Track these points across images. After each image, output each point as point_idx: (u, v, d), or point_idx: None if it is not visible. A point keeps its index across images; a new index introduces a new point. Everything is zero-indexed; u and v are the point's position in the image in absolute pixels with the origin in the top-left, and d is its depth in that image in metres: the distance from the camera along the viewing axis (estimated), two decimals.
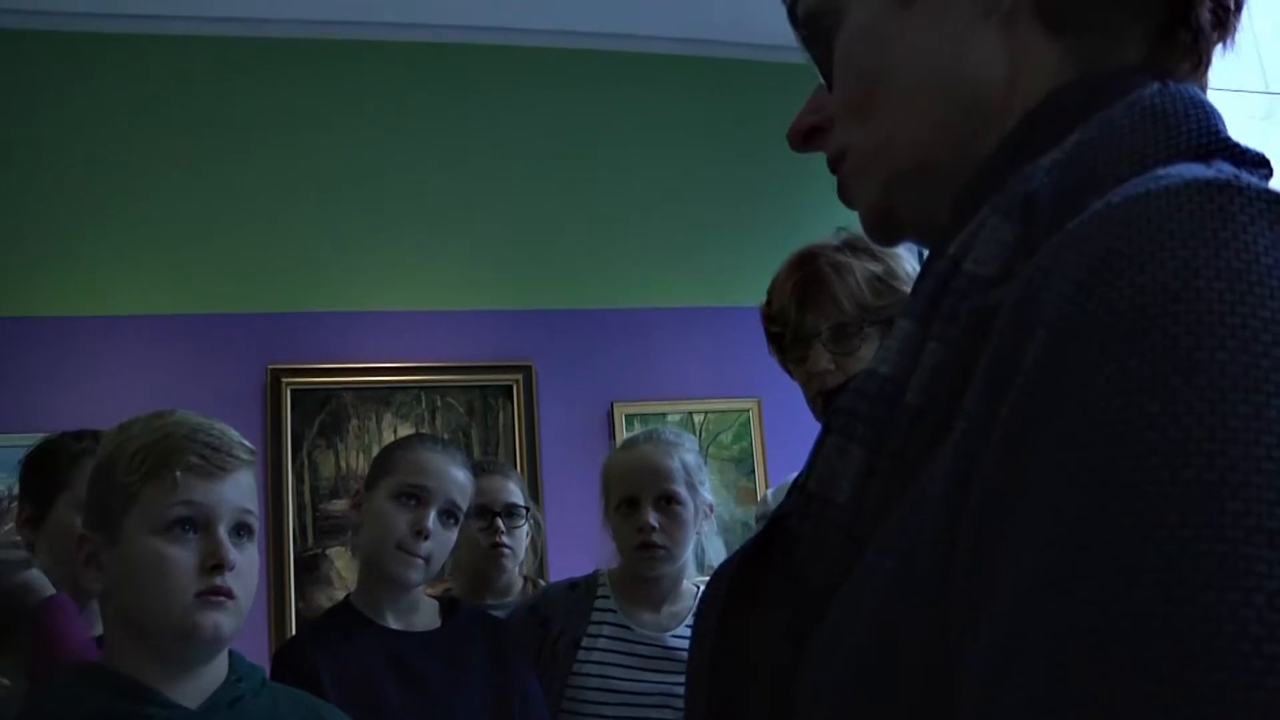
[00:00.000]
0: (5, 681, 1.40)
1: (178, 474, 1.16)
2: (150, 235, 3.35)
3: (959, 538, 0.41)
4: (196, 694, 1.17)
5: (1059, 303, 0.40)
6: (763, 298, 1.50)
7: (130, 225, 3.34)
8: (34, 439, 1.80)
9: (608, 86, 3.83)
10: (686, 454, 1.90)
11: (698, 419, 3.63)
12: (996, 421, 0.41)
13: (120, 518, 1.16)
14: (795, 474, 1.63)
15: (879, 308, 1.38)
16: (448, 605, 1.77)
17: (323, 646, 1.62)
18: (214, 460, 1.19)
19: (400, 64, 3.66)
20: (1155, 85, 0.51)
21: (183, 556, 1.15)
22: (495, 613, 1.98)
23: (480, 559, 2.24)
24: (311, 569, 3.25)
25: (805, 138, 0.65)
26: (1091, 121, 0.50)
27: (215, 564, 1.15)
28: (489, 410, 3.48)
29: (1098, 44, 0.55)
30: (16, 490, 1.88)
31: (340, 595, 3.01)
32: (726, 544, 3.47)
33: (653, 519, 1.83)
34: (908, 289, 1.37)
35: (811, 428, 1.34)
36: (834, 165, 0.63)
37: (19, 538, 1.72)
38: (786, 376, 1.50)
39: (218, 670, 1.21)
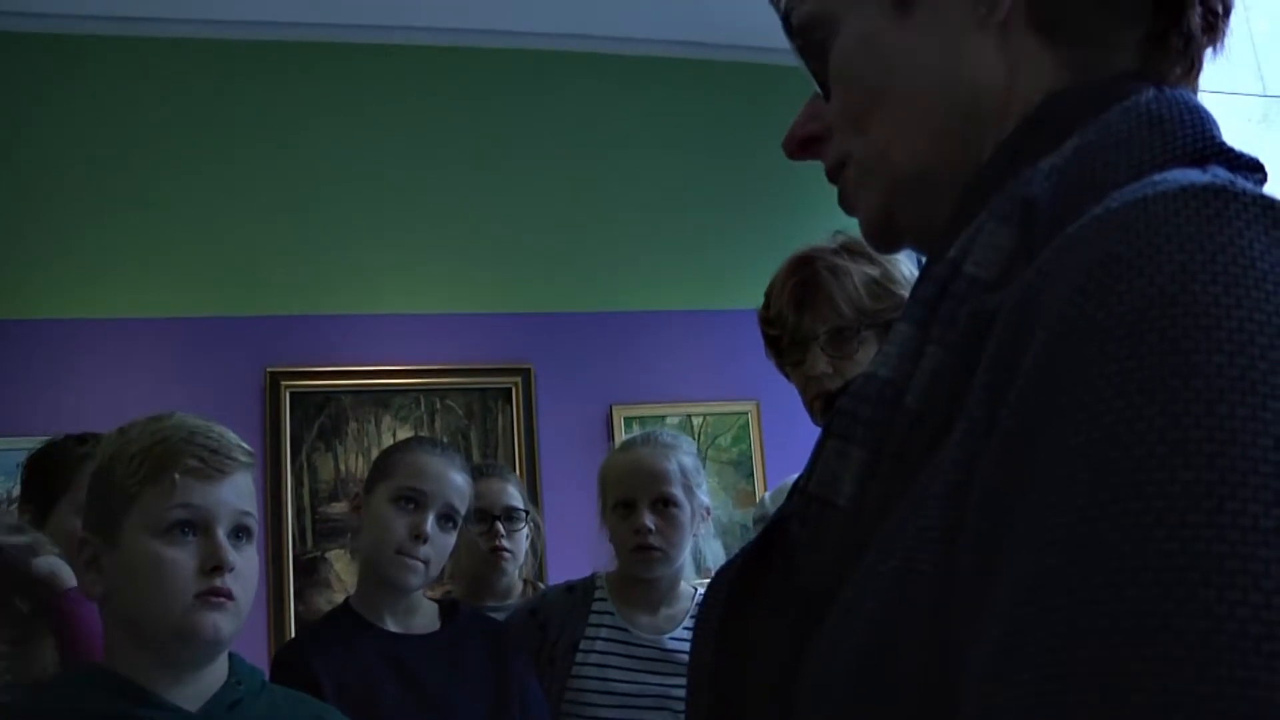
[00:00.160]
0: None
1: (176, 477, 1.16)
2: (149, 238, 3.36)
3: (959, 538, 0.41)
4: (196, 696, 1.17)
5: (1058, 306, 0.40)
6: (762, 301, 1.50)
7: (129, 228, 3.34)
8: (32, 441, 1.80)
9: (607, 90, 3.83)
10: (683, 456, 1.90)
11: (696, 421, 3.63)
12: (996, 423, 0.41)
13: (120, 520, 1.16)
14: (793, 476, 1.64)
15: (876, 311, 1.38)
16: (447, 608, 1.77)
17: (322, 649, 1.62)
18: (212, 463, 1.19)
19: (399, 67, 3.66)
20: (1151, 91, 0.52)
21: (182, 559, 1.15)
22: (495, 615, 1.98)
23: (480, 562, 2.24)
24: (310, 572, 3.25)
25: (801, 146, 0.65)
26: (1088, 126, 0.51)
27: (214, 566, 1.16)
28: (488, 413, 3.48)
29: (1092, 50, 0.56)
30: (17, 492, 1.88)
31: (339, 598, 3.01)
32: (725, 546, 3.49)
33: (649, 521, 1.84)
34: (905, 292, 1.38)
35: (810, 430, 1.34)
36: (833, 174, 0.64)
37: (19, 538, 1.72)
38: (785, 379, 1.51)
39: (217, 673, 1.21)
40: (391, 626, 1.68)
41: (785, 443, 3.46)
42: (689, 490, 1.88)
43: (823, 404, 1.40)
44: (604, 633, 1.86)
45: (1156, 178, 0.44)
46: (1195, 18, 0.55)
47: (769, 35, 0.66)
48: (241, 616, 1.19)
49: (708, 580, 2.12)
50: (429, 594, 1.82)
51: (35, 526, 1.62)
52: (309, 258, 3.46)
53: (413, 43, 3.67)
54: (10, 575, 1.29)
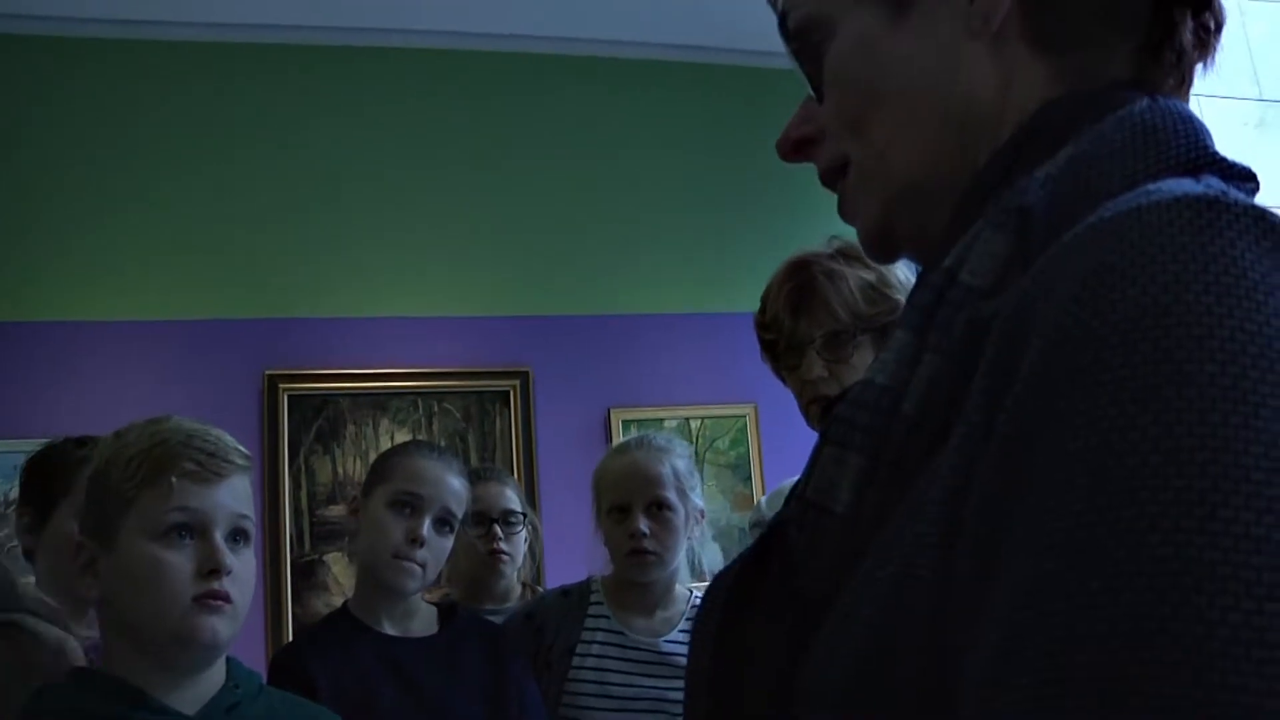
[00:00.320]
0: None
1: (173, 480, 1.16)
2: (148, 240, 3.36)
3: (957, 544, 0.42)
4: (194, 700, 1.17)
5: (1054, 314, 0.41)
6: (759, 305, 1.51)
7: (128, 230, 3.35)
8: (30, 443, 1.80)
9: (605, 93, 3.84)
10: (677, 460, 1.91)
11: (695, 425, 3.63)
12: (994, 430, 0.42)
13: (117, 524, 1.16)
14: (789, 481, 1.64)
15: (872, 315, 1.39)
16: (445, 611, 1.77)
17: (319, 652, 1.62)
18: (210, 466, 1.19)
19: (398, 70, 3.67)
20: (1145, 101, 0.52)
21: (179, 562, 1.15)
22: (493, 619, 1.98)
23: (478, 565, 2.25)
24: (308, 575, 3.24)
25: (795, 148, 0.65)
26: (1083, 136, 0.51)
27: (211, 569, 1.15)
28: (486, 416, 3.48)
29: (1085, 61, 0.56)
30: (14, 495, 1.88)
31: (337, 601, 3.01)
32: (723, 549, 3.49)
33: (644, 525, 1.84)
34: (900, 296, 1.38)
35: (808, 434, 1.34)
36: (826, 177, 0.64)
37: (18, 543, 1.72)
38: (782, 383, 1.51)
39: (215, 676, 1.21)
40: (389, 630, 1.68)
41: (783, 446, 3.46)
42: (683, 494, 1.88)
43: (819, 408, 1.40)
44: (600, 636, 1.86)
45: (1150, 187, 0.44)
46: (1187, 33, 0.56)
47: (768, 39, 0.66)
48: (239, 620, 1.19)
49: (704, 583, 2.13)
50: (427, 597, 1.82)
51: (34, 530, 1.62)
52: (307, 260, 3.46)
53: (412, 45, 3.68)
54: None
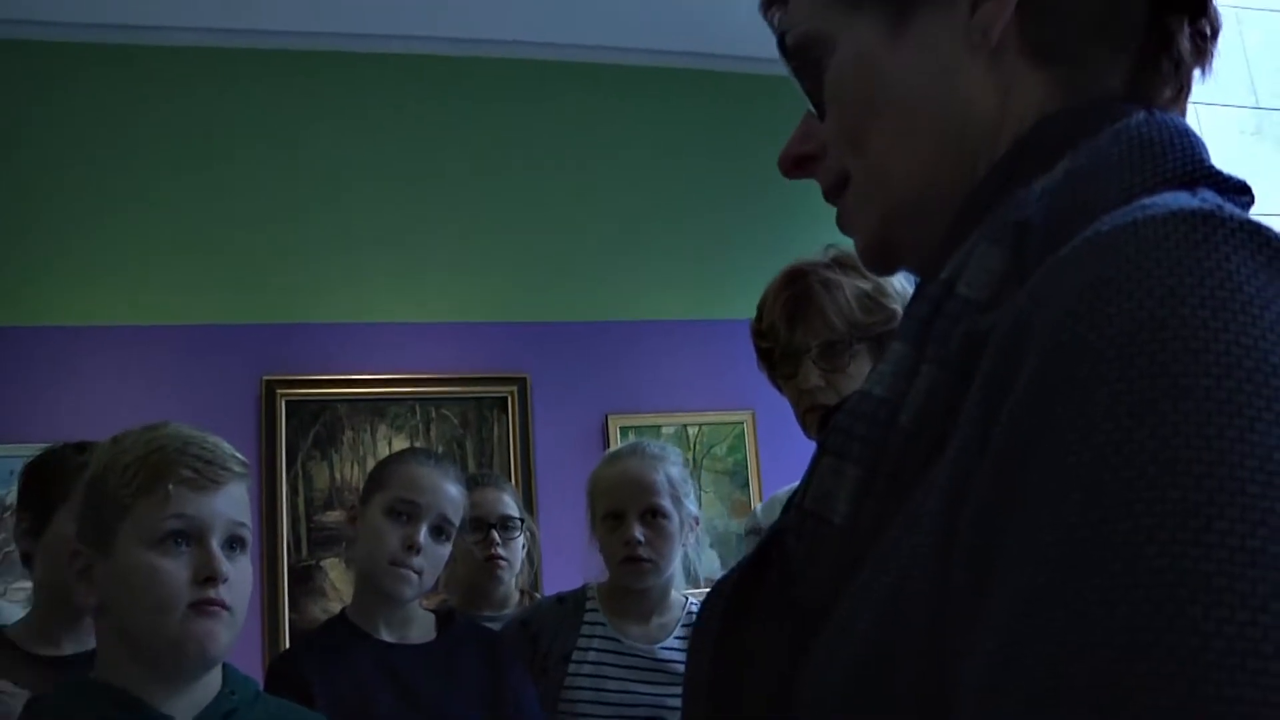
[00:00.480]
0: (9, 688, 1.39)
1: (170, 487, 1.16)
2: (146, 246, 3.36)
3: (953, 555, 0.42)
4: (189, 707, 1.17)
5: (1051, 328, 0.41)
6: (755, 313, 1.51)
7: (127, 235, 3.35)
8: (28, 448, 1.79)
9: (603, 100, 3.84)
10: (671, 467, 1.91)
11: (692, 431, 3.63)
12: (990, 442, 0.42)
13: (113, 530, 1.16)
14: (784, 489, 1.64)
15: (868, 324, 1.39)
16: (443, 618, 1.77)
17: (316, 659, 1.62)
18: (207, 473, 1.18)
19: (397, 76, 3.67)
20: (1141, 114, 0.53)
21: (176, 569, 1.15)
22: (490, 625, 1.98)
23: (476, 571, 2.25)
24: (305, 580, 3.24)
25: (796, 165, 0.66)
26: (1080, 149, 0.52)
27: (208, 576, 1.15)
28: (484, 422, 3.48)
29: (1083, 74, 0.57)
30: (11, 499, 1.88)
31: (334, 607, 3.01)
32: (720, 557, 3.48)
33: (638, 532, 1.85)
34: (897, 306, 1.38)
35: (805, 441, 1.34)
36: (829, 194, 0.64)
37: (14, 547, 1.72)
38: (779, 391, 1.51)
39: (211, 683, 1.20)
40: (387, 636, 1.68)
41: (780, 453, 3.47)
42: (677, 500, 1.89)
43: (815, 417, 1.40)
44: (596, 643, 1.86)
45: (1146, 201, 0.44)
46: (1184, 41, 0.57)
47: (767, 45, 0.66)
48: (237, 627, 1.18)
49: (699, 590, 2.12)
50: (425, 604, 1.82)
51: (33, 535, 1.61)
52: (306, 265, 3.46)
53: (412, 51, 3.68)
54: None
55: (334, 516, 3.25)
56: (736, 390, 3.54)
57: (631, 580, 1.87)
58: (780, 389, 1.49)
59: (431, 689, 1.63)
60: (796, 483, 0.60)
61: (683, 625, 1.91)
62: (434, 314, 3.53)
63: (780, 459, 3.48)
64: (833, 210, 0.65)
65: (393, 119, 3.64)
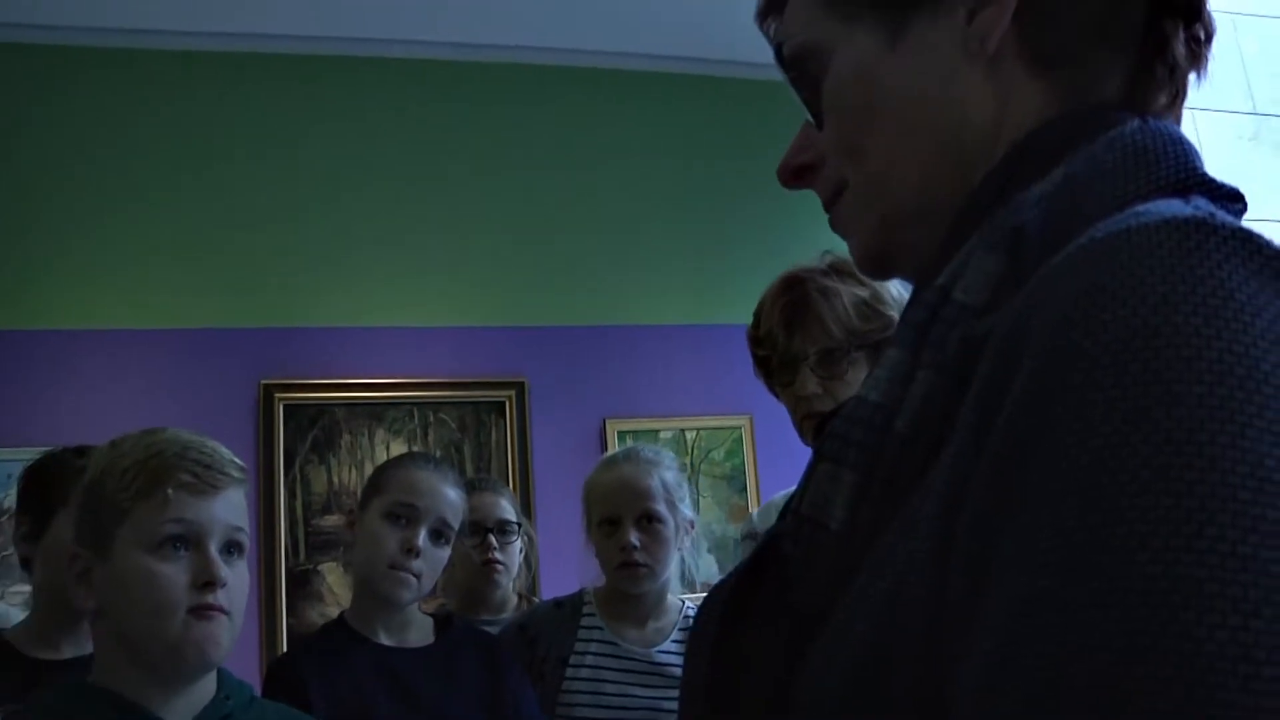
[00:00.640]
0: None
1: (169, 492, 1.16)
2: (144, 250, 3.36)
3: (949, 560, 0.42)
4: (185, 711, 1.17)
5: (1046, 334, 0.41)
6: (752, 319, 1.51)
7: (125, 239, 3.35)
8: (25, 451, 1.79)
9: (602, 104, 3.84)
10: (666, 472, 1.92)
11: (690, 436, 3.63)
12: (986, 447, 0.42)
13: (111, 535, 1.16)
14: (781, 494, 1.64)
15: (866, 331, 1.39)
16: (442, 621, 1.77)
17: (314, 662, 1.62)
18: (205, 478, 1.19)
19: (396, 80, 3.67)
20: (1136, 122, 0.53)
21: (174, 574, 1.15)
22: (489, 629, 1.98)
23: (474, 575, 2.25)
24: (303, 584, 3.24)
25: (795, 175, 0.66)
26: (1075, 156, 0.52)
27: (207, 581, 1.15)
28: (481, 426, 3.48)
29: (1080, 80, 0.57)
30: (8, 503, 1.88)
31: (332, 611, 3.00)
32: (718, 561, 3.48)
33: (634, 538, 1.86)
34: (894, 313, 1.38)
35: (803, 446, 1.34)
36: (829, 204, 0.65)
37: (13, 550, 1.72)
38: (776, 398, 1.51)
39: (206, 687, 1.20)
40: (385, 640, 1.68)
41: (778, 457, 3.47)
42: (672, 505, 1.90)
43: (813, 424, 1.40)
44: (594, 647, 1.87)
45: (1140, 208, 0.45)
46: (1179, 46, 0.57)
47: (766, 50, 0.67)
48: (236, 631, 1.18)
49: (695, 594, 2.12)
50: (424, 608, 1.82)
51: (32, 539, 1.62)
52: (305, 269, 3.46)
53: (412, 56, 3.69)
54: None
55: (332, 521, 3.25)
56: (734, 395, 3.54)
57: (628, 585, 1.88)
58: (777, 396, 1.49)
59: (430, 692, 1.63)
60: (793, 488, 0.60)
61: (679, 629, 1.92)
62: (432, 318, 3.53)
63: (778, 464, 3.48)
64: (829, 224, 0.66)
65: (392, 123, 3.64)
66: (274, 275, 3.43)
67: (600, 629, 1.89)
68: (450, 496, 1.72)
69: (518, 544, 2.34)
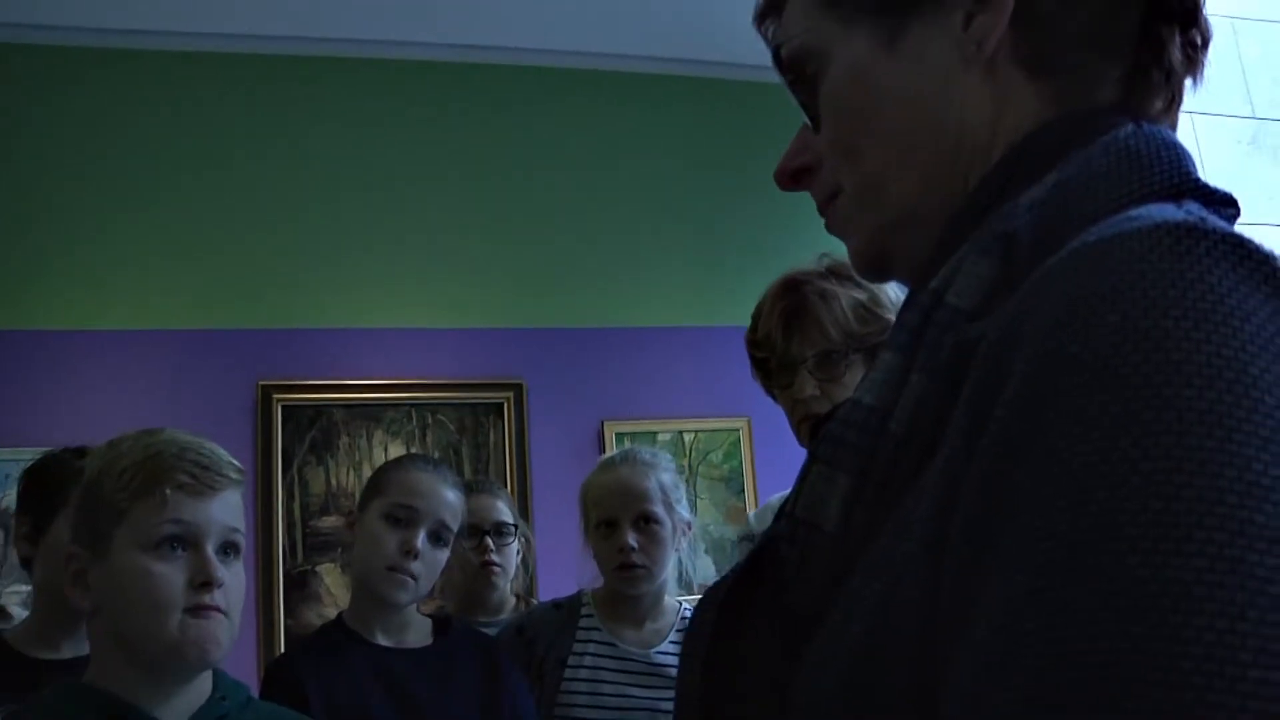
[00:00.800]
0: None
1: (167, 492, 1.16)
2: (143, 250, 3.36)
3: (942, 562, 0.43)
4: (181, 711, 1.17)
5: (1038, 338, 0.42)
6: (749, 322, 1.51)
7: (124, 239, 3.35)
8: (23, 452, 1.79)
9: (600, 106, 3.85)
10: (663, 473, 1.93)
11: (688, 438, 3.63)
12: (978, 451, 0.42)
13: (109, 535, 1.16)
14: (778, 495, 1.64)
15: (864, 334, 1.39)
16: (440, 623, 1.77)
17: (312, 662, 1.62)
18: (203, 479, 1.19)
19: (395, 83, 3.68)
20: (1130, 126, 0.53)
21: (171, 573, 1.15)
22: (486, 631, 1.98)
23: (472, 577, 2.25)
24: (301, 586, 3.24)
25: (792, 178, 0.66)
26: (1069, 160, 0.52)
27: (204, 581, 1.15)
28: (480, 428, 3.49)
29: (1076, 85, 0.57)
30: (5, 503, 1.88)
31: (330, 612, 3.00)
32: (715, 563, 3.49)
33: (632, 539, 1.87)
34: (892, 316, 1.38)
35: (800, 449, 1.34)
36: (825, 207, 0.65)
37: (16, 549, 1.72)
38: (774, 400, 1.51)
39: (202, 687, 1.20)
40: (383, 641, 1.68)
41: (776, 460, 3.47)
42: (669, 507, 1.91)
43: (810, 427, 1.40)
44: (592, 648, 1.87)
45: (1132, 213, 0.45)
46: (1175, 52, 0.57)
47: (762, 53, 0.67)
48: (234, 632, 1.19)
49: (693, 595, 2.13)
50: (423, 609, 1.82)
51: (32, 540, 1.62)
52: (302, 271, 3.46)
53: (411, 58, 3.69)
54: None
55: (330, 522, 3.25)
56: (732, 396, 3.55)
57: (626, 586, 1.88)
58: (775, 398, 1.49)
59: (428, 694, 1.64)
60: (790, 489, 0.61)
61: (677, 630, 1.92)
62: (430, 319, 3.53)
63: (776, 465, 3.48)
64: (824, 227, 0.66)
65: (390, 125, 3.64)
66: (273, 276, 3.44)
67: (598, 630, 1.89)
68: (449, 499, 1.73)
69: (515, 546, 2.34)
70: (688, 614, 1.95)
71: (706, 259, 3.78)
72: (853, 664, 0.46)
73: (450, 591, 2.28)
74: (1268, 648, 0.33)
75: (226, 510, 1.20)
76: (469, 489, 2.15)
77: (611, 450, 3.41)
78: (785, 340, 1.42)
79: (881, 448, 0.50)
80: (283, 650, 3.04)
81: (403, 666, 1.66)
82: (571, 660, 1.86)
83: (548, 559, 2.87)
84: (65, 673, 1.47)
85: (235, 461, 1.24)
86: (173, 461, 1.18)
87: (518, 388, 3.51)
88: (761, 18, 0.69)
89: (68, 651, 1.57)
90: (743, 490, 3.64)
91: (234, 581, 1.19)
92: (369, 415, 3.40)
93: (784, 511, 0.56)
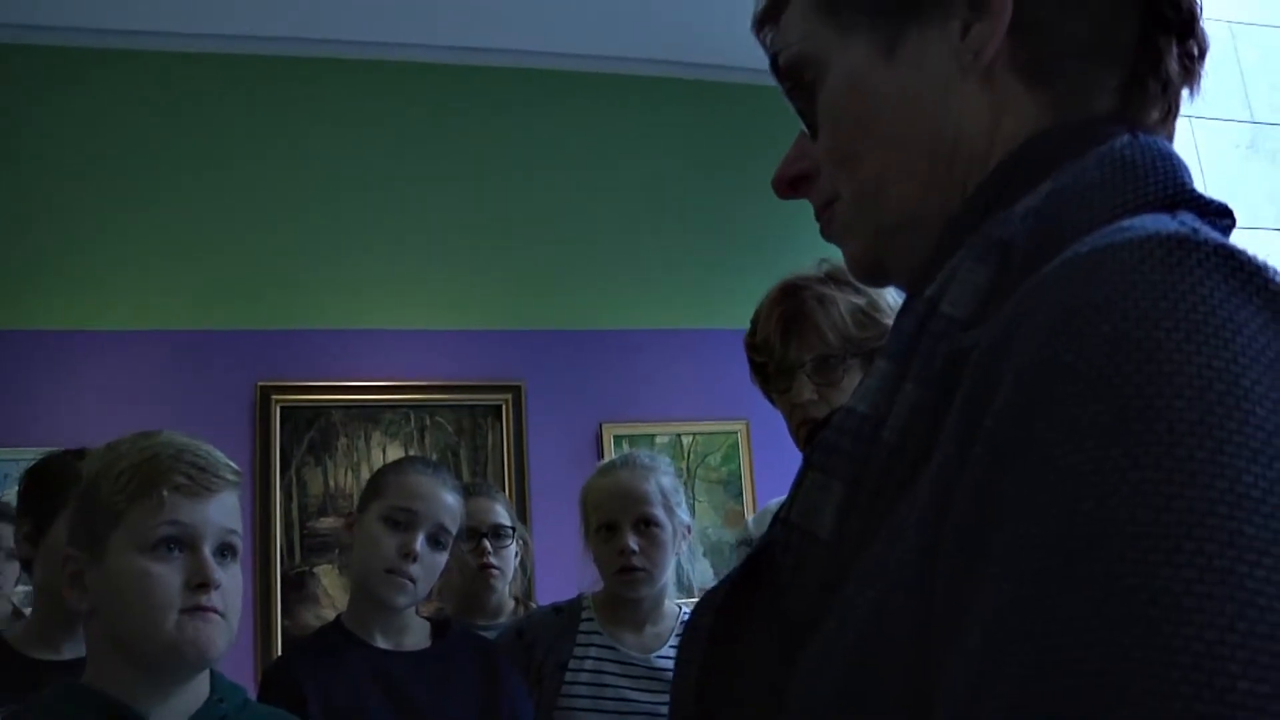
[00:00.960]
0: None
1: (164, 494, 1.16)
2: (142, 251, 3.36)
3: (935, 570, 0.43)
4: (178, 713, 1.17)
5: (1030, 348, 0.42)
6: (748, 326, 1.51)
7: (124, 241, 3.35)
8: (22, 452, 1.79)
9: (600, 109, 3.85)
10: (662, 477, 1.93)
11: (686, 440, 3.63)
12: (970, 460, 0.43)
13: (106, 536, 1.16)
14: (777, 500, 1.64)
15: (862, 339, 1.39)
16: (439, 626, 1.77)
17: (310, 665, 1.62)
18: (200, 481, 1.19)
19: (393, 84, 3.68)
20: (1125, 136, 0.53)
21: (168, 574, 1.15)
22: (485, 634, 1.98)
23: (470, 580, 2.25)
24: (298, 587, 3.24)
25: (790, 186, 0.66)
26: (1064, 170, 0.52)
27: (201, 582, 1.16)
28: (478, 430, 3.49)
29: (1073, 94, 0.57)
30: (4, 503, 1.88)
31: (327, 613, 3.00)
32: (713, 566, 3.49)
33: (632, 542, 1.87)
34: (890, 320, 1.38)
35: (799, 452, 1.34)
36: (822, 214, 0.65)
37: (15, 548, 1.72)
38: (773, 404, 1.51)
39: (199, 689, 1.20)
40: (382, 644, 1.68)
41: (775, 462, 3.46)
42: (669, 510, 1.91)
43: (808, 431, 1.40)
44: (593, 651, 1.87)
45: (1125, 224, 0.45)
46: (1172, 62, 0.57)
47: (761, 56, 0.67)
48: (231, 633, 1.19)
49: (691, 599, 2.13)
50: (421, 611, 1.82)
51: (33, 540, 1.62)
52: (301, 272, 3.46)
53: (410, 59, 3.69)
54: None
55: (328, 523, 3.25)
56: (731, 399, 3.55)
57: (627, 590, 1.88)
58: (774, 403, 1.49)
59: (426, 697, 1.64)
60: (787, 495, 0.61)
61: (677, 634, 1.92)
62: (429, 321, 3.53)
63: (774, 469, 3.48)
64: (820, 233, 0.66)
65: (390, 126, 3.64)
66: (272, 277, 3.44)
67: (599, 634, 1.89)
68: (449, 502, 1.73)
69: (513, 548, 2.34)
70: (687, 618, 1.94)
71: (705, 261, 3.79)
72: (847, 670, 0.46)
73: (449, 594, 2.28)
74: (1257, 659, 0.34)
75: (223, 512, 1.20)
76: (467, 492, 2.15)
77: (610, 452, 3.41)
78: (783, 344, 1.42)
79: (875, 456, 0.50)
80: (280, 651, 3.05)
81: (401, 669, 1.66)
82: (572, 664, 1.85)
83: (546, 561, 2.87)
84: (65, 674, 1.47)
85: (232, 463, 1.24)
86: (170, 463, 1.18)
87: (516, 390, 3.51)
88: (760, 25, 0.69)
89: (68, 652, 1.57)
90: (741, 493, 3.64)
91: (231, 583, 1.19)
92: (367, 416, 3.40)
93: (779, 518, 0.56)
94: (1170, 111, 0.60)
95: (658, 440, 3.58)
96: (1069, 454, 0.38)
